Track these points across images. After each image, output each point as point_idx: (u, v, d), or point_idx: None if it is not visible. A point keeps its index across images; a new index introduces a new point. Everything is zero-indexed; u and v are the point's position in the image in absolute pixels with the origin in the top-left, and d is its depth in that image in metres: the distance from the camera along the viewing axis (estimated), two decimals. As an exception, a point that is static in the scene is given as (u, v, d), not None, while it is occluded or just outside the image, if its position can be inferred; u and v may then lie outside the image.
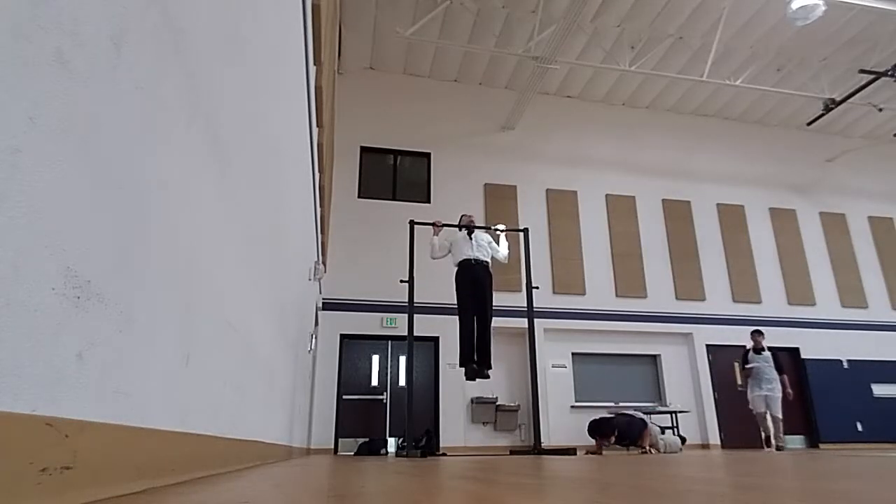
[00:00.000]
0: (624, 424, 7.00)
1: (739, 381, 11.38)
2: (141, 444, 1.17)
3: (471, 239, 6.50)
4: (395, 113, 11.68)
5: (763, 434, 8.51)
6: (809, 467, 2.24)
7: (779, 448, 8.18)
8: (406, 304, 6.84)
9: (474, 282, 6.32)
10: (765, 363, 8.63)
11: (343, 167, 10.71)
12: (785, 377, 8.53)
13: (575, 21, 9.14)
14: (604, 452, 6.80)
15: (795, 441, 11.25)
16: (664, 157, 12.84)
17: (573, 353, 10.83)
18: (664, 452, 6.72)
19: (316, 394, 9.41)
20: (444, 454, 7.36)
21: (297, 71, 3.72)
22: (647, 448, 6.50)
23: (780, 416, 8.33)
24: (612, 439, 6.90)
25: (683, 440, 8.44)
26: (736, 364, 11.47)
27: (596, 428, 6.97)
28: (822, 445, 11.05)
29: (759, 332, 8.94)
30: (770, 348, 8.74)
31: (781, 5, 9.90)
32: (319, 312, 9.52)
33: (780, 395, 8.43)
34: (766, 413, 8.39)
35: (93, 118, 0.91)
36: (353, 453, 8.68)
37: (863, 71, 10.83)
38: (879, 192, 13.89)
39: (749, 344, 8.97)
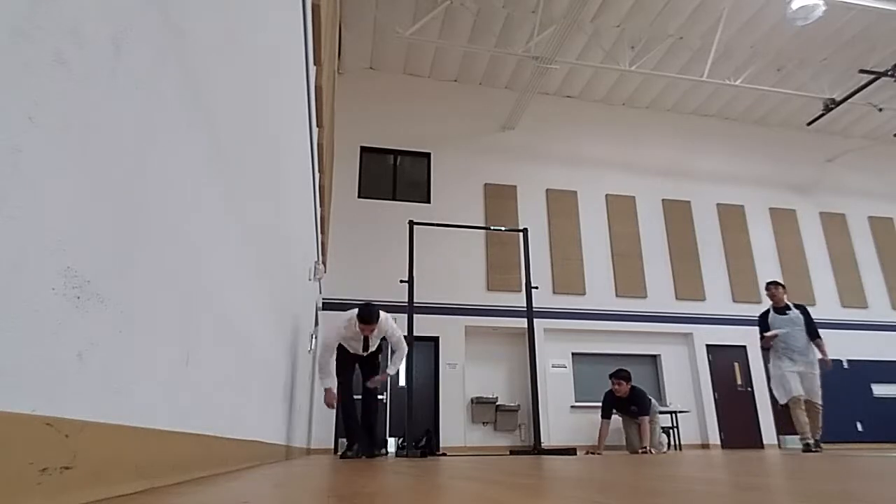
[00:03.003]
0: (639, 390, 6.83)
1: (739, 381, 11.39)
2: (141, 444, 1.17)
3: (367, 342, 5.08)
4: (395, 113, 11.69)
5: (800, 431, 6.14)
6: (809, 467, 2.24)
7: (815, 447, 6.09)
8: (406, 304, 6.83)
9: (356, 359, 5.20)
10: (794, 327, 6.14)
11: (343, 167, 10.71)
12: (821, 341, 6.12)
13: (575, 21, 9.14)
14: (603, 452, 6.78)
15: (795, 441, 11.24)
16: (664, 157, 12.85)
17: (573, 353, 10.84)
18: (664, 452, 6.69)
19: (316, 394, 9.41)
20: (444, 454, 7.37)
21: (297, 71, 3.72)
22: (648, 448, 6.47)
23: (820, 402, 6.10)
24: (627, 386, 6.69)
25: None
26: (736, 364, 11.47)
27: (617, 371, 6.88)
28: (821, 446, 11.04)
29: (778, 284, 6.38)
30: (797, 305, 6.15)
31: (781, 5, 9.91)
32: (319, 312, 9.51)
33: (818, 371, 6.10)
34: (801, 399, 6.03)
35: (93, 118, 0.91)
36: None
37: (863, 71, 10.84)
38: (879, 192, 13.90)
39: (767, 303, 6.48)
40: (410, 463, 3.51)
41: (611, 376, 6.91)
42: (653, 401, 6.97)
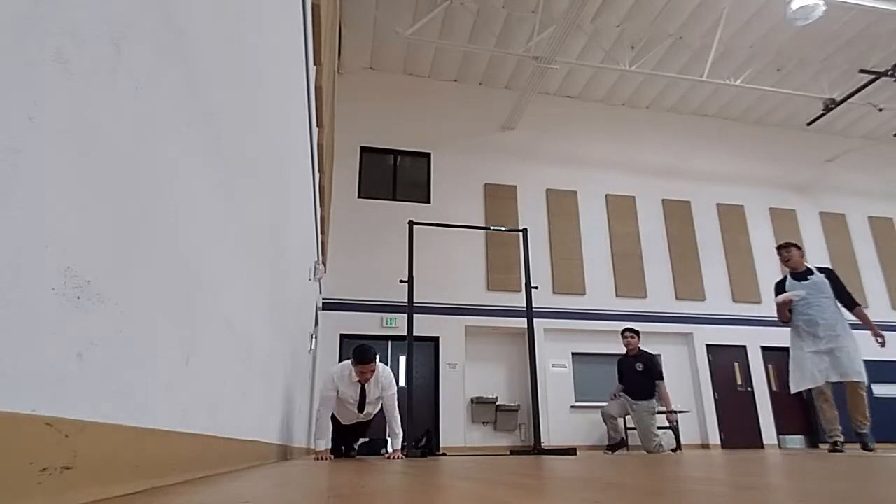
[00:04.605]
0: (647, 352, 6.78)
1: (739, 381, 11.38)
2: (141, 444, 1.17)
3: (364, 396, 4.73)
4: (395, 113, 11.69)
5: (826, 427, 4.93)
6: (809, 467, 2.24)
7: (865, 445, 4.95)
8: (406, 304, 6.84)
9: (348, 430, 5.23)
10: (818, 294, 4.83)
11: (343, 167, 10.72)
12: (861, 309, 4.88)
13: (575, 21, 9.15)
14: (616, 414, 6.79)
15: (795, 441, 11.25)
16: (664, 157, 12.86)
17: (573, 353, 10.84)
18: (671, 451, 6.67)
19: (315, 393, 9.41)
20: (444, 454, 7.37)
21: (297, 71, 3.72)
22: (669, 408, 6.47)
23: (861, 380, 4.84)
24: (637, 340, 6.63)
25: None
26: (736, 364, 11.47)
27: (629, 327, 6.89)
28: (822, 446, 11.04)
29: (790, 245, 5.04)
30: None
31: (781, 5, 9.91)
32: (319, 312, 9.52)
33: (851, 345, 4.84)
34: (824, 389, 4.79)
35: (93, 118, 0.91)
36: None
37: (863, 71, 10.84)
38: (879, 192, 13.90)
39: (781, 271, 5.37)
40: (410, 463, 3.51)
41: (623, 331, 6.88)
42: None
